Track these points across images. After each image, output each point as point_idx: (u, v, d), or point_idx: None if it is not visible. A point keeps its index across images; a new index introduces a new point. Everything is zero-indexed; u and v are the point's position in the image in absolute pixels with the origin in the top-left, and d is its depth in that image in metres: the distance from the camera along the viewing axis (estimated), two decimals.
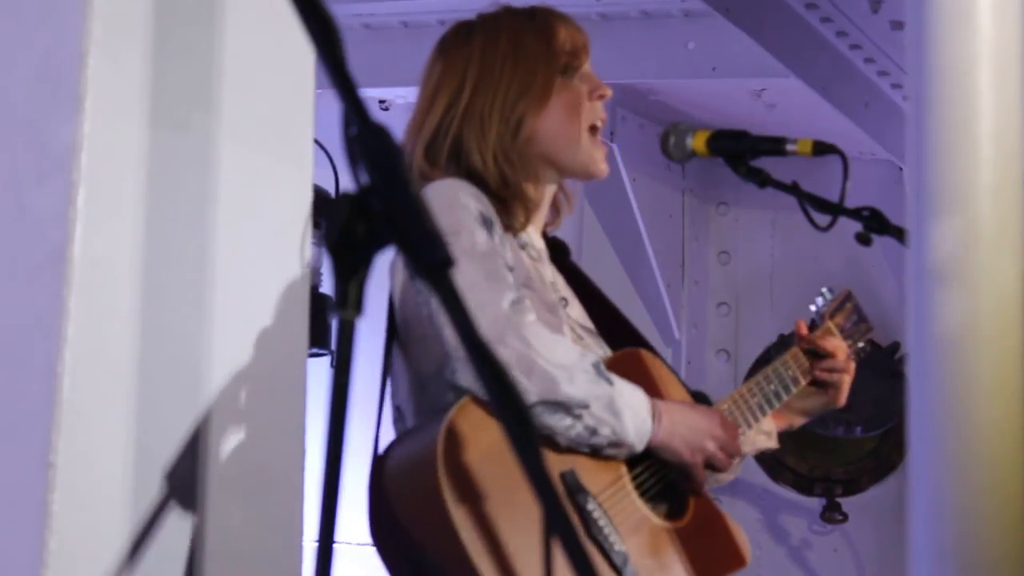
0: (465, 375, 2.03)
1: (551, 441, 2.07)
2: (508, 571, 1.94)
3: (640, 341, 2.38)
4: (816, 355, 2.55)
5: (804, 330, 2.60)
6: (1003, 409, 1.29)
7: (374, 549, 2.07)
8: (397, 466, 2.05)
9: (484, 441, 1.98)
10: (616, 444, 2.11)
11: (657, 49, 4.23)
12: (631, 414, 2.11)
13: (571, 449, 2.10)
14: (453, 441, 1.97)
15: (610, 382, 2.10)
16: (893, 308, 4.89)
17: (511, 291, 2.08)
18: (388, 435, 2.21)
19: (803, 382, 2.52)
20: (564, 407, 2.04)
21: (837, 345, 2.56)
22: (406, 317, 2.20)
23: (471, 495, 1.95)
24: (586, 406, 2.06)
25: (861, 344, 2.68)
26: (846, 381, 2.55)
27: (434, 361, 2.14)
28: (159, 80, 1.82)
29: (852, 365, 2.56)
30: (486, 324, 2.01)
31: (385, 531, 2.04)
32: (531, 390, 2.01)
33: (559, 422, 2.04)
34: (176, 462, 1.80)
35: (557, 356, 2.04)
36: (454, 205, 2.13)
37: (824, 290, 2.69)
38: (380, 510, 2.04)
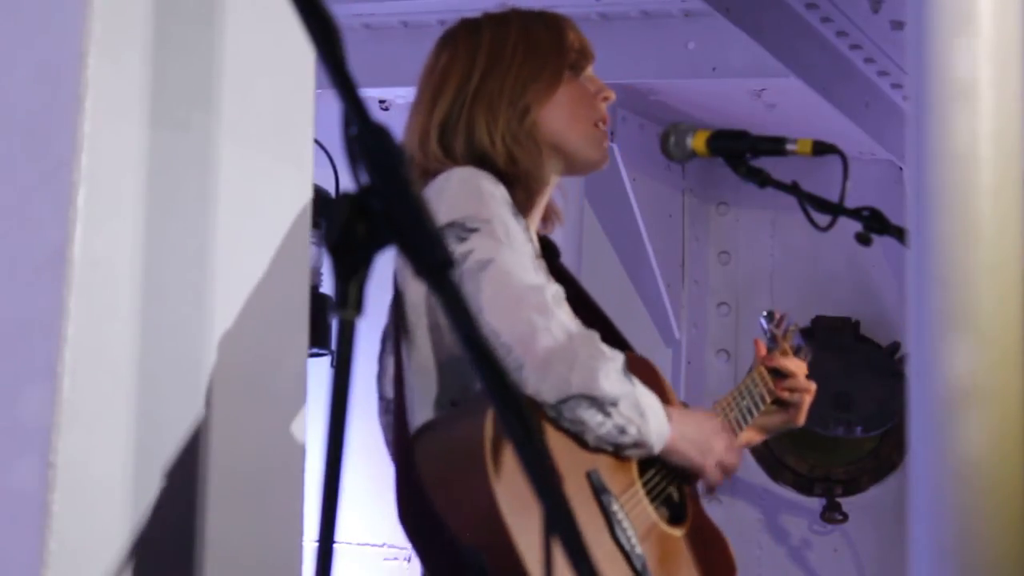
0: (508, 362, 2.00)
1: (580, 439, 2.07)
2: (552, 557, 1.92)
3: (626, 347, 2.38)
4: (777, 374, 2.55)
5: (763, 351, 2.60)
6: (1003, 409, 1.29)
7: (406, 538, 2.05)
8: (437, 451, 2.02)
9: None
10: (640, 444, 2.11)
11: (657, 49, 4.23)
12: (653, 415, 2.12)
13: (597, 448, 2.09)
14: (499, 434, 1.94)
15: (633, 382, 2.10)
16: (893, 308, 4.89)
17: (553, 285, 2.08)
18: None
19: (768, 400, 2.52)
20: (598, 403, 2.03)
21: (798, 365, 2.56)
22: (416, 306, 2.19)
23: (518, 480, 1.92)
24: (615, 404, 2.05)
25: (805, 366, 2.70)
26: (807, 400, 2.54)
27: (449, 348, 2.13)
28: (159, 80, 1.82)
29: (813, 385, 2.56)
30: (532, 313, 2.00)
31: (417, 518, 2.02)
32: (572, 382, 2.00)
33: (592, 418, 2.04)
34: (176, 462, 1.80)
35: (596, 351, 2.04)
36: (481, 192, 2.12)
37: (764, 313, 2.70)
38: (411, 496, 2.02)
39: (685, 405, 2.38)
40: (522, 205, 2.25)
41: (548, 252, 2.41)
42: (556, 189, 2.43)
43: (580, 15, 3.92)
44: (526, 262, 2.07)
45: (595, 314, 2.42)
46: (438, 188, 2.13)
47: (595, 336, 2.07)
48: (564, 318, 2.03)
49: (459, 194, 2.11)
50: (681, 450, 2.18)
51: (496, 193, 2.13)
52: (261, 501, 1.93)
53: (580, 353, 2.01)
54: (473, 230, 2.06)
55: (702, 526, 2.27)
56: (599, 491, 2.06)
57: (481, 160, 2.23)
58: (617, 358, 2.08)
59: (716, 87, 4.39)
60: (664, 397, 2.23)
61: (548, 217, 2.43)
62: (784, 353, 2.60)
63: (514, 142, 2.25)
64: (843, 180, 2.35)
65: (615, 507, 2.07)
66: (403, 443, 2.08)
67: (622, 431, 2.07)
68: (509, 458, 1.93)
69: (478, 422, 1.95)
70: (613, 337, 2.39)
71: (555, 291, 2.06)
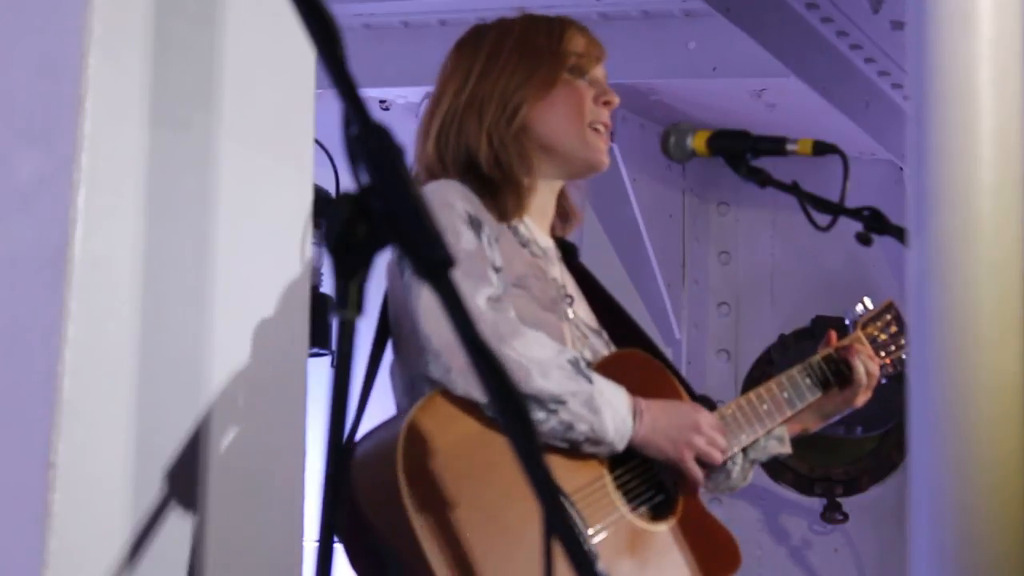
0: (436, 367, 2.04)
1: None
2: (462, 569, 1.95)
3: (645, 342, 2.39)
4: (841, 362, 2.54)
5: (834, 339, 2.58)
6: (1003, 409, 1.29)
7: (337, 538, 2.09)
8: (362, 457, 2.07)
9: (447, 437, 2.01)
10: (594, 441, 2.12)
11: (657, 49, 4.23)
12: (611, 412, 2.12)
13: (550, 447, 2.10)
14: (415, 437, 1.99)
15: (589, 380, 2.11)
16: None
17: (489, 288, 2.10)
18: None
19: (820, 392, 2.50)
20: (536, 400, 2.05)
21: (862, 352, 2.54)
22: (397, 316, 2.23)
23: (430, 492, 1.98)
24: (562, 402, 2.07)
25: (901, 355, 2.65)
26: (864, 391, 2.53)
27: (417, 357, 2.16)
28: (159, 80, 1.82)
29: (875, 376, 2.54)
30: None
31: (347, 516, 2.06)
32: None
33: (532, 415, 2.05)
34: (176, 462, 1.80)
35: (531, 351, 2.06)
36: (439, 203, 2.17)
37: (865, 299, 2.68)
38: (344, 497, 2.06)
39: (703, 400, 2.37)
40: (512, 208, 2.27)
41: (567, 252, 2.43)
42: (574, 189, 2.44)
43: (580, 15, 3.91)
44: (466, 269, 2.11)
45: (613, 311, 2.43)
46: None
47: (535, 337, 2.09)
48: (494, 319, 2.06)
49: None
50: (653, 444, 2.18)
51: (457, 204, 2.17)
52: (261, 501, 1.93)
53: (510, 353, 2.04)
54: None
55: (697, 519, 2.26)
56: None
57: (468, 165, 2.26)
58: (563, 355, 2.10)
59: (716, 87, 4.39)
60: (650, 392, 2.23)
61: (565, 217, 2.44)
62: (855, 341, 2.58)
63: (500, 145, 2.27)
64: (843, 180, 2.35)
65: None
66: (347, 443, 2.11)
67: (569, 428, 2.08)
68: (423, 466, 1.98)
69: (395, 430, 2.00)
70: (630, 332, 2.41)
71: (490, 294, 2.09)
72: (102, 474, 1.71)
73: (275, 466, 1.96)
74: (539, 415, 2.06)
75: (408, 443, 1.97)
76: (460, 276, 2.08)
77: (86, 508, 1.68)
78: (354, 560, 2.08)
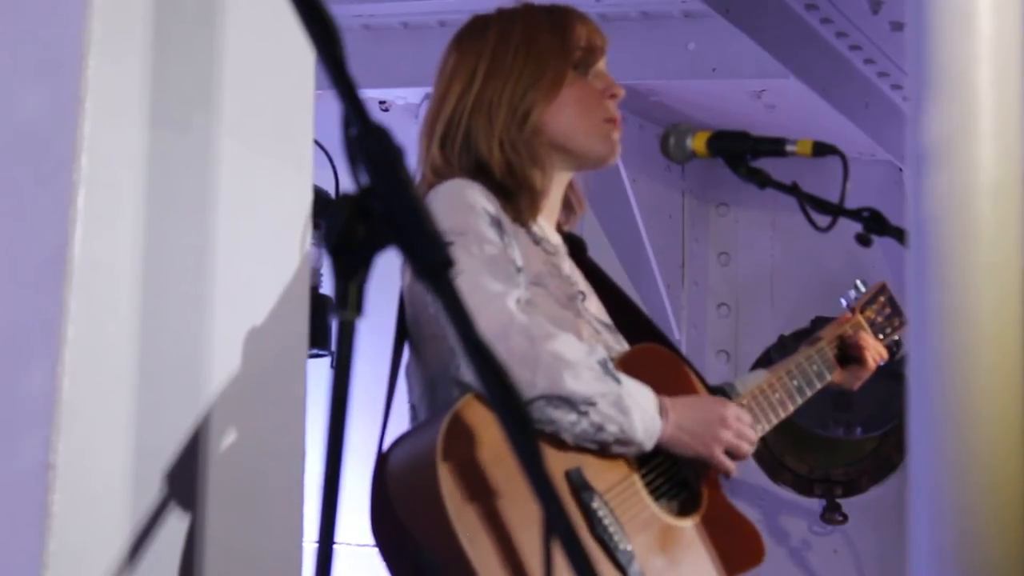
0: (470, 371, 2.03)
1: (556, 438, 2.07)
2: (506, 572, 1.94)
3: (657, 335, 2.39)
4: (849, 348, 2.58)
5: (841, 322, 2.66)
6: (1003, 409, 1.29)
7: (375, 545, 2.07)
8: (398, 463, 2.04)
9: (486, 439, 1.98)
10: (624, 442, 2.11)
11: (657, 50, 4.23)
12: (640, 413, 2.12)
13: (579, 447, 2.09)
14: (454, 439, 1.96)
15: (618, 380, 2.10)
16: None
17: (517, 290, 2.09)
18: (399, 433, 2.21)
19: (829, 377, 2.56)
20: (568, 402, 2.04)
21: (868, 341, 2.62)
22: (416, 316, 2.21)
23: (470, 494, 1.95)
24: (593, 403, 2.06)
25: (896, 338, 2.72)
26: (866, 375, 2.62)
27: (442, 359, 2.15)
28: (159, 80, 1.82)
29: (879, 359, 2.62)
30: (490, 320, 2.01)
31: (385, 528, 2.04)
32: (536, 384, 2.01)
33: (563, 417, 2.04)
34: (176, 462, 1.80)
35: (562, 352, 2.04)
36: (461, 205, 2.14)
37: (857, 282, 2.73)
38: (381, 507, 2.04)
39: (719, 390, 2.38)
40: (526, 212, 2.26)
41: (575, 247, 2.43)
42: (577, 177, 2.45)
43: None
44: (495, 272, 2.09)
45: (624, 304, 2.44)
46: (428, 201, 2.16)
47: (565, 338, 2.07)
48: (526, 322, 2.04)
49: (441, 207, 2.14)
50: (681, 442, 2.18)
51: (477, 205, 2.15)
52: (261, 501, 1.93)
53: (543, 355, 2.02)
54: (447, 244, 2.07)
55: (721, 514, 2.26)
56: (579, 489, 2.06)
57: (479, 169, 2.25)
58: (592, 356, 2.09)
59: (716, 88, 4.39)
60: (673, 388, 2.23)
61: (571, 208, 2.45)
62: (856, 326, 2.64)
63: (512, 151, 2.26)
64: (843, 181, 2.36)
65: (596, 504, 2.07)
66: (378, 453, 2.09)
67: (600, 429, 2.07)
68: (462, 467, 1.96)
69: (433, 433, 1.98)
70: (642, 326, 2.41)
71: (519, 296, 2.07)
72: (102, 475, 1.71)
73: (275, 467, 1.96)
74: (570, 417, 2.05)
75: (446, 447, 1.95)
76: (488, 277, 2.07)
77: (86, 509, 1.68)
78: (392, 568, 2.05)
